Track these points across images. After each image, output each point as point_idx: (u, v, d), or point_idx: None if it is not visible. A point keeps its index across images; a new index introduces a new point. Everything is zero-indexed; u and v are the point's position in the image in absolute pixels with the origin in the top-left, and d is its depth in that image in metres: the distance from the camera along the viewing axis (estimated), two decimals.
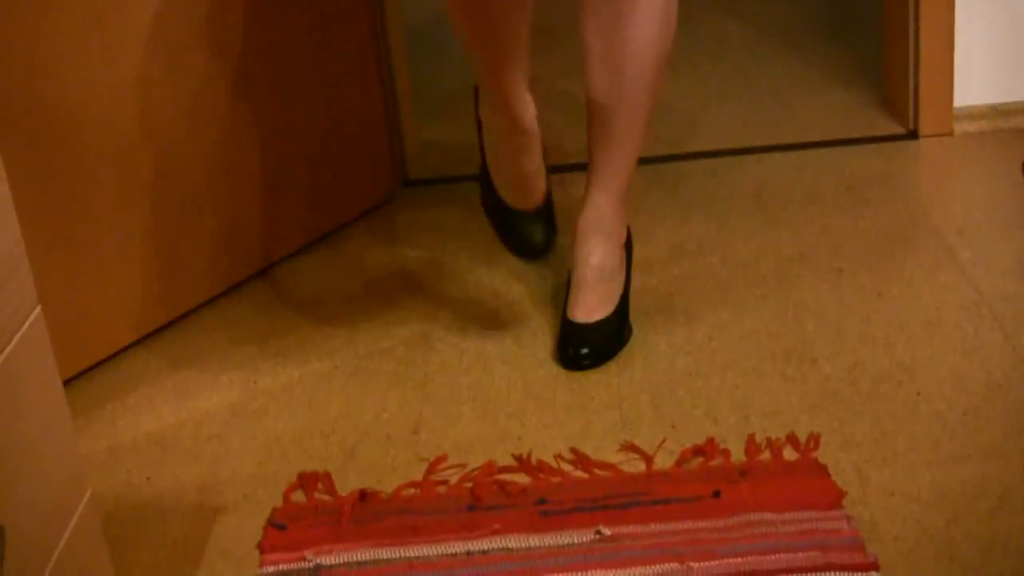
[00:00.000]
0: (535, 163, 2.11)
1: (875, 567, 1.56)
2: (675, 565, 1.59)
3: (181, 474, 1.89)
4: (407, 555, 1.66)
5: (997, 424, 1.81)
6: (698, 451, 1.81)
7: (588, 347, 2.04)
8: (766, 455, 1.79)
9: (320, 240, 2.53)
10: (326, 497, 1.80)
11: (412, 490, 1.80)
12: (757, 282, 2.23)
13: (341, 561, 1.66)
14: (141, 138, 2.16)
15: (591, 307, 2.06)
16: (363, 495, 1.78)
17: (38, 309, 1.38)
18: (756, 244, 2.35)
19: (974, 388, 1.89)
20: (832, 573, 1.56)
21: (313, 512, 1.77)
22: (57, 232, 2.06)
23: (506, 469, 1.82)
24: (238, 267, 2.38)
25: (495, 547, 1.66)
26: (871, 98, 2.94)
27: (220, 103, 2.28)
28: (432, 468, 1.83)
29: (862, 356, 1.99)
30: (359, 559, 1.66)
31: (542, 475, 1.80)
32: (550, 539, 1.66)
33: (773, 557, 1.59)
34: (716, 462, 1.79)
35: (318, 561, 1.67)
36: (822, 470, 1.74)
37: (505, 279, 2.32)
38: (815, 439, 1.81)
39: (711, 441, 1.82)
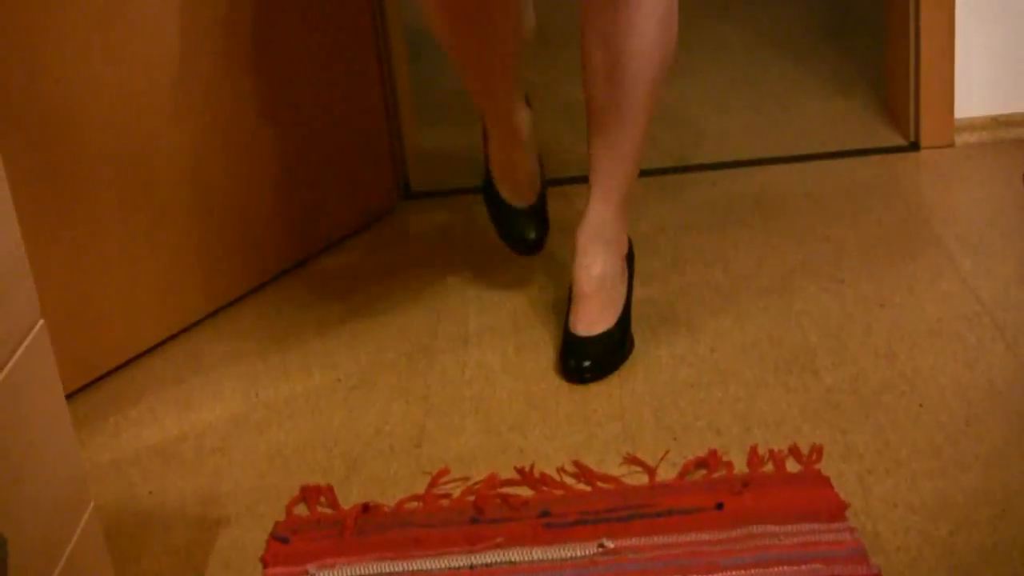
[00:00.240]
0: (529, 165, 2.27)
1: None
2: None
3: (184, 486, 1.89)
4: (410, 568, 1.66)
5: (999, 433, 1.81)
6: (700, 463, 1.81)
7: (590, 360, 2.04)
8: (769, 466, 1.79)
9: (322, 252, 2.53)
10: (328, 510, 1.80)
11: (415, 503, 1.80)
12: (759, 292, 2.23)
13: (344, 574, 1.66)
14: (143, 145, 2.16)
15: (593, 319, 2.06)
16: (366, 508, 1.78)
17: (41, 322, 1.38)
18: (758, 254, 2.35)
19: (976, 397, 1.89)
20: None
21: (316, 525, 1.77)
22: (59, 245, 2.06)
23: (509, 482, 1.82)
24: (240, 279, 2.38)
25: (498, 560, 1.66)
26: (872, 107, 2.95)
27: (223, 113, 2.28)
28: (435, 481, 1.83)
29: (864, 366, 1.99)
30: (362, 572, 1.66)
31: (545, 487, 1.80)
32: (553, 552, 1.66)
33: (776, 569, 1.59)
34: (719, 474, 1.79)
35: (321, 574, 1.66)
36: (825, 481, 1.74)
37: (507, 290, 2.32)
38: (817, 450, 1.81)
39: (713, 453, 1.82)
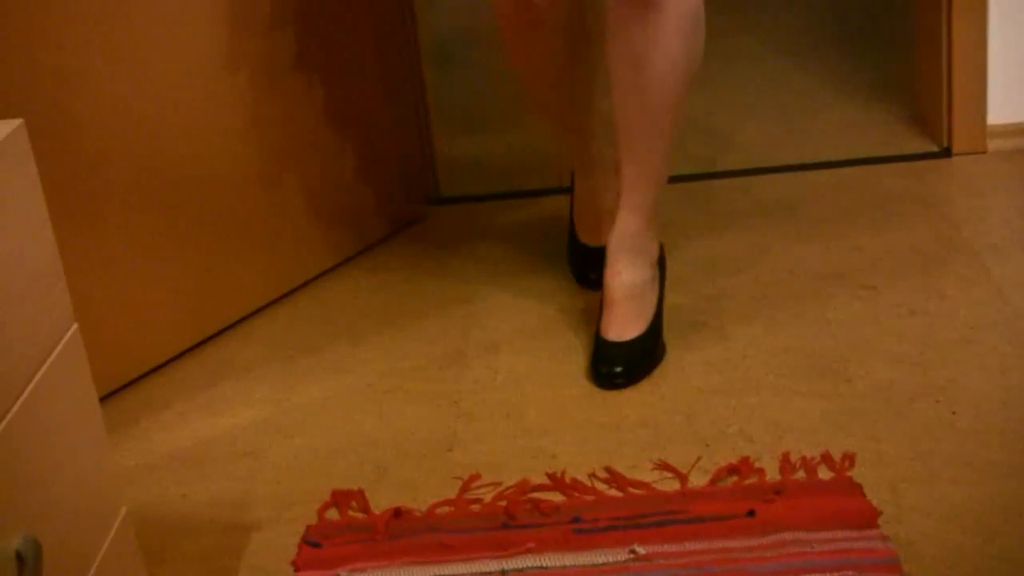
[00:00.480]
0: (605, 202, 2.27)
1: None
2: None
3: (215, 490, 1.89)
4: (441, 573, 1.66)
5: None
6: (732, 469, 1.81)
7: (621, 365, 2.03)
8: (800, 474, 1.79)
9: (353, 258, 2.53)
10: (360, 514, 1.80)
11: (446, 508, 1.80)
12: (791, 299, 2.22)
13: None
14: (175, 156, 2.17)
15: (624, 325, 2.06)
16: (397, 512, 1.78)
17: (74, 326, 1.39)
18: (790, 261, 2.35)
19: (1010, 406, 1.88)
20: None
21: (347, 529, 1.77)
22: (93, 251, 2.07)
23: (540, 487, 1.81)
24: (272, 285, 2.39)
25: (529, 565, 1.66)
26: (903, 115, 2.94)
27: (254, 123, 2.29)
28: (466, 486, 1.83)
29: (896, 374, 1.99)
30: None
31: (576, 493, 1.79)
32: (584, 557, 1.66)
33: None
34: (750, 480, 1.78)
35: None
36: (857, 489, 1.74)
37: (538, 297, 2.32)
38: (850, 457, 1.80)
39: (745, 459, 1.82)
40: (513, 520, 1.75)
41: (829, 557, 1.61)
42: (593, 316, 2.17)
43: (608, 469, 1.84)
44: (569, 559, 1.66)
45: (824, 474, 1.78)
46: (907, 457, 1.79)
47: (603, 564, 1.65)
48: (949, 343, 2.05)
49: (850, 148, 2.81)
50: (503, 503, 1.78)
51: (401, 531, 1.75)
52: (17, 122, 1.30)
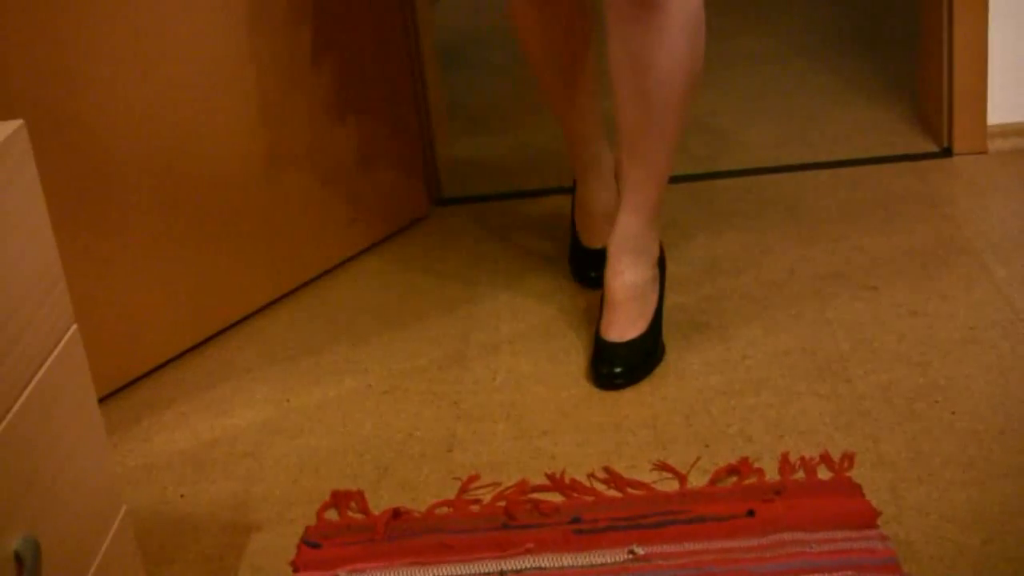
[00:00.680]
0: (603, 205, 2.29)
1: None
2: None
3: (215, 491, 1.90)
4: (440, 573, 1.66)
5: None
6: (732, 470, 1.81)
7: (621, 366, 2.03)
8: (800, 474, 1.79)
9: (354, 258, 2.53)
10: (359, 515, 1.80)
11: (445, 508, 1.80)
12: (791, 300, 2.22)
13: None
14: (177, 155, 2.17)
15: (624, 326, 2.06)
16: (396, 513, 1.78)
17: (74, 327, 1.39)
18: (790, 261, 2.35)
19: (1010, 406, 1.88)
20: None
21: (346, 530, 1.77)
22: (93, 252, 2.07)
23: (539, 487, 1.82)
24: (272, 285, 2.39)
25: (529, 565, 1.66)
26: (904, 115, 2.94)
27: (256, 123, 2.29)
28: (465, 486, 1.84)
29: (897, 374, 1.99)
30: None
31: (575, 494, 1.80)
32: (584, 558, 1.66)
33: None
34: (750, 481, 1.78)
35: None
36: (856, 489, 1.74)
37: (539, 297, 2.33)
38: (849, 458, 1.80)
39: (745, 460, 1.82)
40: (513, 520, 1.75)
41: (829, 557, 1.61)
42: (593, 316, 2.17)
43: (607, 469, 1.84)
44: (569, 559, 1.66)
45: (824, 474, 1.78)
46: (907, 457, 1.79)
47: (603, 564, 1.65)
48: (949, 343, 2.05)
49: (851, 148, 2.81)
50: (503, 503, 1.78)
51: (401, 532, 1.75)
52: (17, 123, 1.30)
